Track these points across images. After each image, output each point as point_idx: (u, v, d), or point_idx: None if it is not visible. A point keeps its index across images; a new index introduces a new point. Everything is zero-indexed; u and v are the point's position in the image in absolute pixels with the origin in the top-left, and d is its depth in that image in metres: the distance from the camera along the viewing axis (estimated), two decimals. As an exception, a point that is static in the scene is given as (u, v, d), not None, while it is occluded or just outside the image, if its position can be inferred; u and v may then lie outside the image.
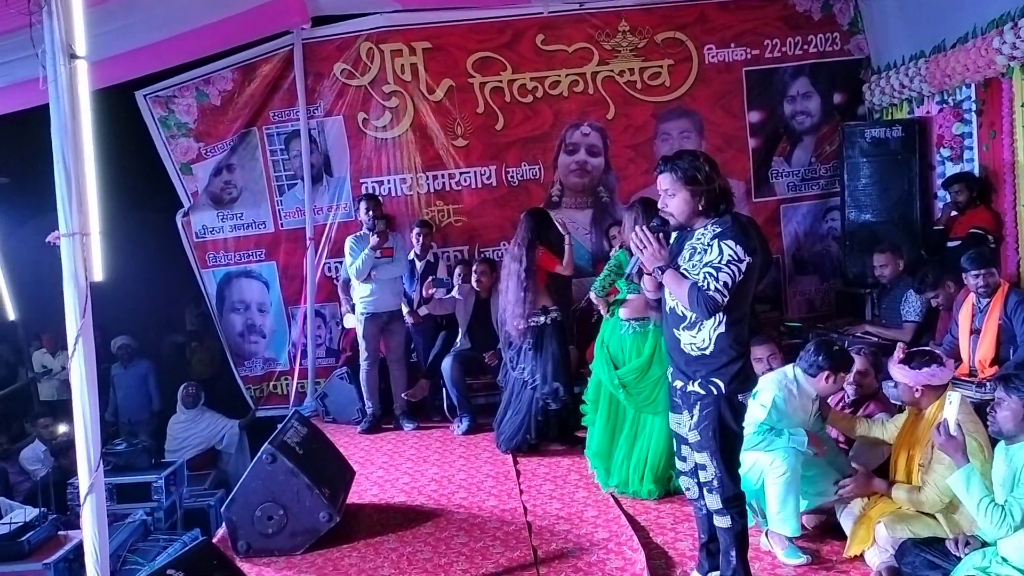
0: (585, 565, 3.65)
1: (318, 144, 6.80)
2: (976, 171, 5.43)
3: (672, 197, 2.97)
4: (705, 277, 2.85)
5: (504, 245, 6.81)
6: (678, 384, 3.09)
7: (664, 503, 4.29)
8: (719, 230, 2.91)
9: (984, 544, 2.97)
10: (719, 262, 2.84)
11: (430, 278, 6.01)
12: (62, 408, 8.28)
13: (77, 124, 2.86)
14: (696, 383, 2.99)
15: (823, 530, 3.74)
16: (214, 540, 4.08)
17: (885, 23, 6.34)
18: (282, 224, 6.95)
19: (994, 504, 2.82)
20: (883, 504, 3.47)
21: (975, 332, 4.44)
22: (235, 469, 6.69)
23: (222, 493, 6.06)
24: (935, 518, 3.32)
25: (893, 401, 3.99)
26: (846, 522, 3.57)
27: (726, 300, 2.83)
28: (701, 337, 2.96)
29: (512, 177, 6.83)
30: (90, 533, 2.87)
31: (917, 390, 3.41)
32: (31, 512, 4.67)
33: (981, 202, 5.27)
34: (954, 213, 5.45)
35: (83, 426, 2.92)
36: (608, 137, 6.81)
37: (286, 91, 6.68)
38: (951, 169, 5.66)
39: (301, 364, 6.93)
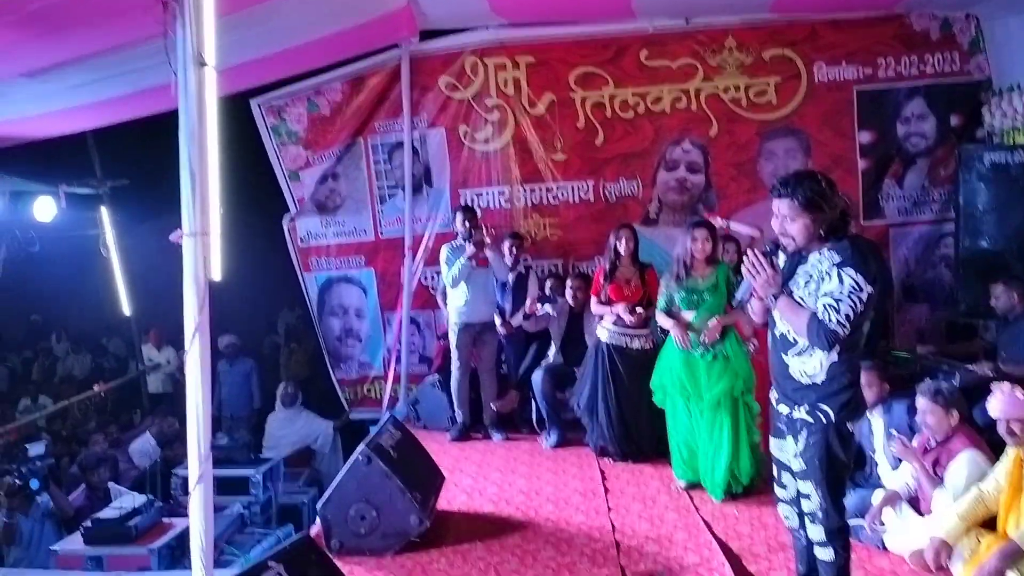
0: (675, 588, 3.59)
1: (420, 155, 6.93)
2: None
3: (792, 223, 2.86)
4: (826, 309, 2.74)
5: (598, 260, 6.78)
6: (783, 409, 3.00)
7: (758, 531, 4.17)
8: (839, 259, 2.80)
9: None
10: (840, 293, 2.74)
11: (535, 296, 6.01)
12: (168, 400, 8.71)
13: (203, 129, 3.00)
14: (803, 409, 2.90)
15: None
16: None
17: (1009, 43, 6.05)
18: (382, 232, 7.11)
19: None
20: (995, 544, 3.28)
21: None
22: (328, 469, 6.86)
23: (315, 491, 6.22)
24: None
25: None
26: (956, 565, 3.39)
27: (847, 332, 2.73)
28: (812, 364, 2.86)
29: (610, 192, 6.80)
30: (197, 521, 2.98)
31: (1015, 424, 3.22)
32: (139, 499, 4.91)
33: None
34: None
35: (195, 418, 3.03)
36: (710, 154, 6.70)
37: (392, 103, 6.84)
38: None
39: (395, 369, 7.05)
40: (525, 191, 6.85)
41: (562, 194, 6.83)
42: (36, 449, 5.47)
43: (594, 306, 5.51)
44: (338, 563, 3.84)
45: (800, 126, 6.58)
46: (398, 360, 7.04)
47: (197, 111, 2.99)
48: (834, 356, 2.82)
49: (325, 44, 5.98)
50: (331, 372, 7.37)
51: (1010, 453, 3.45)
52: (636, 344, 5.34)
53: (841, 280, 2.75)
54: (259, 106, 6.92)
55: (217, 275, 3.05)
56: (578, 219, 6.83)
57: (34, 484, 5.16)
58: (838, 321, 2.71)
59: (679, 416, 4.85)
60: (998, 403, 3.32)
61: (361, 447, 4.16)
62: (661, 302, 4.87)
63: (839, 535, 2.94)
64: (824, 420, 2.85)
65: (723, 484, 4.64)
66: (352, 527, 4.03)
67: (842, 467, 2.94)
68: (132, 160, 8.64)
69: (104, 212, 8.47)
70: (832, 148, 6.59)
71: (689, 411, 4.79)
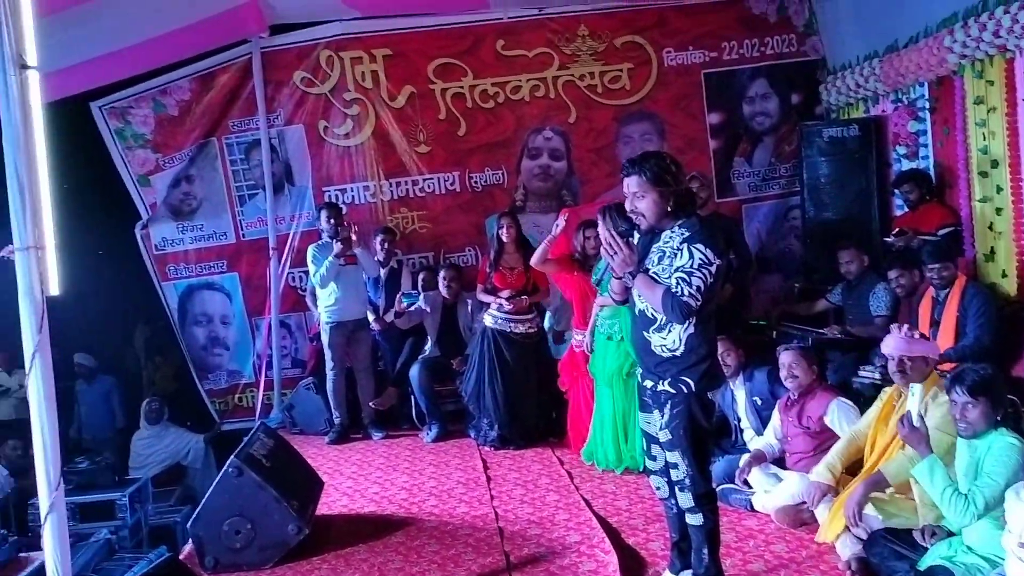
0: (558, 569, 3.64)
1: (279, 153, 6.74)
2: (931, 168, 5.54)
3: (641, 199, 2.98)
4: (678, 282, 2.86)
5: (470, 250, 6.81)
6: (648, 384, 3.10)
7: (636, 504, 4.30)
8: (687, 233, 2.92)
9: (950, 534, 3.02)
10: (691, 267, 2.86)
11: (399, 293, 5.96)
12: (20, 427, 8.09)
13: (29, 135, 2.80)
14: (666, 382, 3.01)
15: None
16: (181, 556, 4.01)
17: (839, 24, 6.45)
18: (244, 235, 6.87)
19: (957, 493, 2.87)
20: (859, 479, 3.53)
21: (934, 324, 4.53)
22: (201, 484, 6.56)
23: (188, 509, 5.94)
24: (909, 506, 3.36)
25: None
26: (821, 509, 3.62)
27: (699, 304, 2.85)
28: (671, 338, 2.97)
29: (476, 182, 6.82)
30: (52, 554, 2.81)
31: (907, 361, 3.46)
32: (-10, 534, 4.55)
33: (935, 198, 5.38)
34: (906, 210, 5.56)
35: (42, 444, 2.86)
36: (570, 141, 6.84)
37: (245, 100, 6.63)
38: (907, 166, 5.78)
39: (267, 375, 6.85)
40: (391, 185, 6.78)
41: (428, 186, 6.80)
42: None
43: (479, 294, 5.56)
44: (214, 581, 3.73)
45: (653, 110, 6.81)
46: (269, 366, 6.84)
47: (22, 117, 2.78)
48: (691, 329, 2.94)
49: (168, 41, 5.71)
50: (198, 384, 7.07)
51: (883, 394, 3.73)
52: (520, 329, 5.43)
53: (691, 255, 2.88)
54: (100, 109, 6.52)
55: (55, 290, 2.85)
56: (446, 210, 6.83)
57: None
58: (690, 294, 2.84)
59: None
60: (892, 340, 3.55)
61: (231, 459, 4.01)
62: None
63: (706, 500, 3.07)
64: (685, 390, 2.97)
65: (614, 458, 4.78)
66: (226, 542, 3.88)
67: (705, 434, 3.07)
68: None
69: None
70: (685, 130, 6.85)
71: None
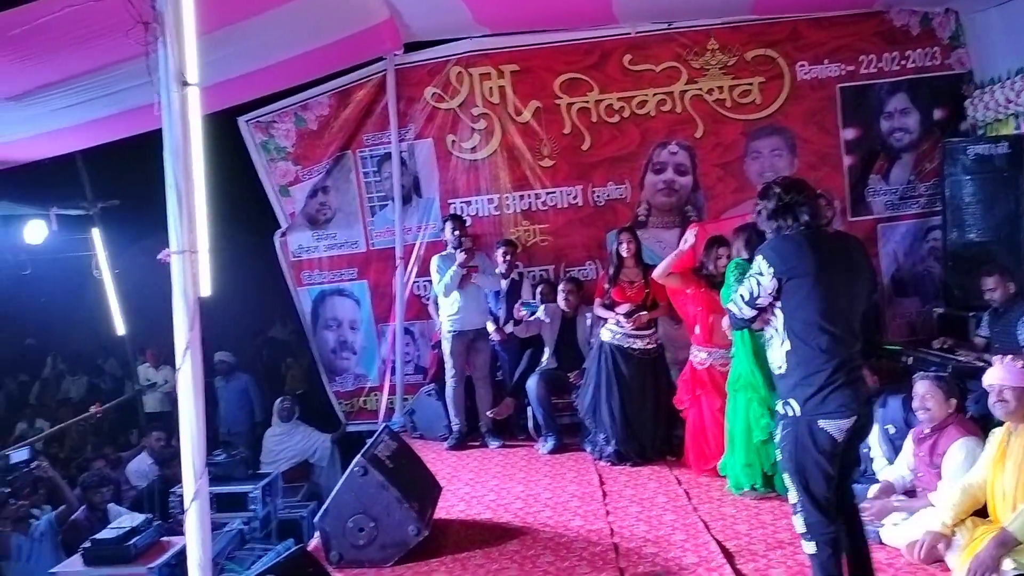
0: (674, 588, 3.60)
1: (408, 166, 6.97)
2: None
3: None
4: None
5: (590, 264, 6.82)
6: (777, 403, 3.07)
7: (756, 529, 4.18)
8: (760, 246, 3.03)
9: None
10: (748, 275, 2.94)
11: (519, 302, 6.05)
12: (166, 419, 8.69)
13: (188, 147, 3.01)
14: (780, 402, 2.96)
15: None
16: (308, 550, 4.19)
17: (988, 36, 6.08)
18: (373, 244, 7.13)
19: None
20: (988, 534, 3.30)
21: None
22: (327, 482, 6.85)
23: (315, 505, 6.21)
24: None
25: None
26: (951, 556, 3.41)
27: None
28: (773, 355, 2.98)
29: (598, 197, 6.83)
30: (194, 539, 2.98)
31: (1009, 392, 3.26)
32: (138, 518, 4.89)
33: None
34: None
35: (189, 436, 3.04)
36: (696, 156, 6.74)
37: (379, 115, 6.89)
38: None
39: (390, 380, 7.06)
40: (514, 198, 6.88)
41: (551, 200, 6.86)
42: (18, 455, 5.48)
43: (597, 309, 5.56)
44: (338, 575, 3.87)
45: (785, 124, 6.63)
46: (393, 371, 7.05)
47: (181, 130, 3.01)
48: (787, 345, 2.89)
49: (310, 59, 6.01)
50: (326, 385, 7.38)
51: (994, 437, 3.48)
52: (639, 345, 5.40)
53: (753, 265, 2.95)
54: (247, 123, 6.95)
55: (206, 291, 3.05)
56: (568, 224, 6.86)
57: (23, 454, 5.14)
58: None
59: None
60: (995, 371, 3.36)
61: (357, 459, 4.17)
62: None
63: (819, 530, 2.95)
64: (791, 413, 2.91)
65: (740, 476, 4.66)
66: (350, 539, 4.04)
67: (813, 463, 2.92)
68: (122, 180, 8.64)
69: (96, 233, 8.46)
70: (817, 146, 6.63)
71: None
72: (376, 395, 7.21)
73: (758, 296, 2.88)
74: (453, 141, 6.90)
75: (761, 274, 2.85)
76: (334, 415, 7.40)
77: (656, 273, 5.06)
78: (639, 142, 6.77)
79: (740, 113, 6.65)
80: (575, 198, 6.84)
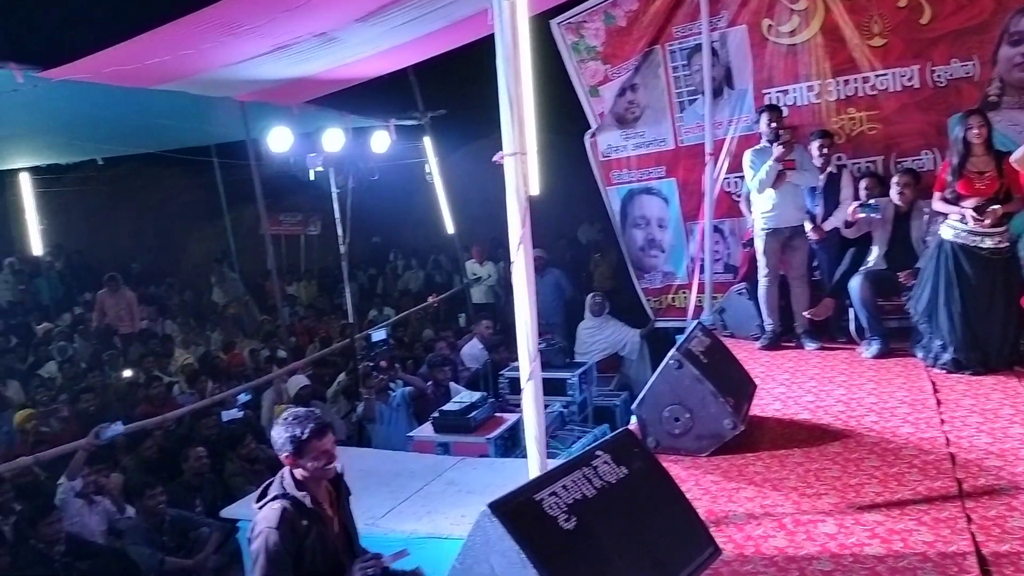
0: (1021, 505, 3.28)
1: (720, 56, 6.69)
2: None
3: None
4: None
5: (926, 154, 6.15)
6: None
7: None
8: None
9: None
10: None
11: (857, 203, 5.64)
12: (490, 310, 9.55)
13: (517, 52, 3.18)
14: None
15: None
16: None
17: None
18: (682, 141, 7.04)
19: None
20: None
21: None
22: (636, 374, 7.13)
23: (626, 395, 6.52)
24: None
25: None
26: None
27: None
28: None
29: (939, 76, 6.04)
30: (531, 413, 3.28)
31: None
32: (475, 395, 5.52)
33: None
34: None
35: (523, 321, 3.30)
36: (1069, 21, 5.69)
37: (690, 4, 6.65)
38: None
39: (699, 278, 7.05)
40: (837, 84, 6.34)
41: (881, 83, 6.21)
42: (378, 335, 6.39)
43: (937, 204, 5.05)
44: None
45: None
46: (702, 269, 7.01)
47: (511, 35, 3.17)
48: None
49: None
50: (635, 282, 7.56)
51: None
52: (988, 243, 4.85)
53: None
54: (559, 25, 7.09)
55: (535, 190, 3.26)
56: (900, 109, 6.19)
57: (381, 334, 6.05)
58: None
59: None
60: None
61: (672, 352, 4.27)
62: None
63: None
64: None
65: None
66: (666, 427, 4.19)
67: None
68: (447, 92, 9.37)
69: (427, 141, 9.31)
70: None
71: None
72: (684, 293, 7.25)
73: None
74: (769, 26, 6.47)
75: None
76: (642, 311, 7.59)
77: (1015, 157, 4.43)
78: (992, 9, 5.82)
79: None
80: (910, 79, 6.13)
